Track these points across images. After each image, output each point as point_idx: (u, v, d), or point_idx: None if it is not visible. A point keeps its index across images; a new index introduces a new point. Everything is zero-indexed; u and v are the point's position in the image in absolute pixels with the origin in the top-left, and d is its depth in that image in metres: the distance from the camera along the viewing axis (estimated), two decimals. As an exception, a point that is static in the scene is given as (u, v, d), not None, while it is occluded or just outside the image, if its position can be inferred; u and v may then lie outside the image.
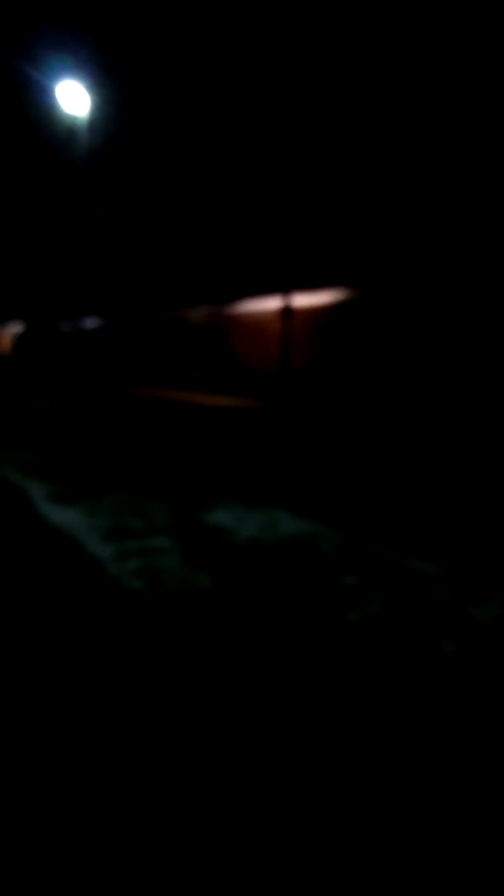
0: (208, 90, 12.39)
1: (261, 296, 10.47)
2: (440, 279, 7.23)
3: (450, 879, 0.74)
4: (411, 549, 2.06)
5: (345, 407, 8.13)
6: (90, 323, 16.31)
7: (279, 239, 10.60)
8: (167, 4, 13.10)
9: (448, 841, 0.79)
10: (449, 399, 7.01)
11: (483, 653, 1.31)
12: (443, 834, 0.81)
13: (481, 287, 6.75)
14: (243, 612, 1.47)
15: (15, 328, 21.15)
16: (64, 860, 0.75)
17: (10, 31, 17.36)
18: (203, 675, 1.17)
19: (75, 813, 0.83)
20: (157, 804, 0.84)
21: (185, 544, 2.00)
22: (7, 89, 18.62)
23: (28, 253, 21.03)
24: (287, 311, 9.43)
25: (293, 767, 0.93)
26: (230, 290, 11.73)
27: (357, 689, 1.15)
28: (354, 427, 6.04)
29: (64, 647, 1.28)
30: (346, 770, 0.93)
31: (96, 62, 15.04)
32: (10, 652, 1.26)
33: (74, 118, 14.76)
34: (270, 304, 10.06)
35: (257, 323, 10.30)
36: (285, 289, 9.60)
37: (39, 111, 18.08)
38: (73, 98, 12.97)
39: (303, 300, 9.30)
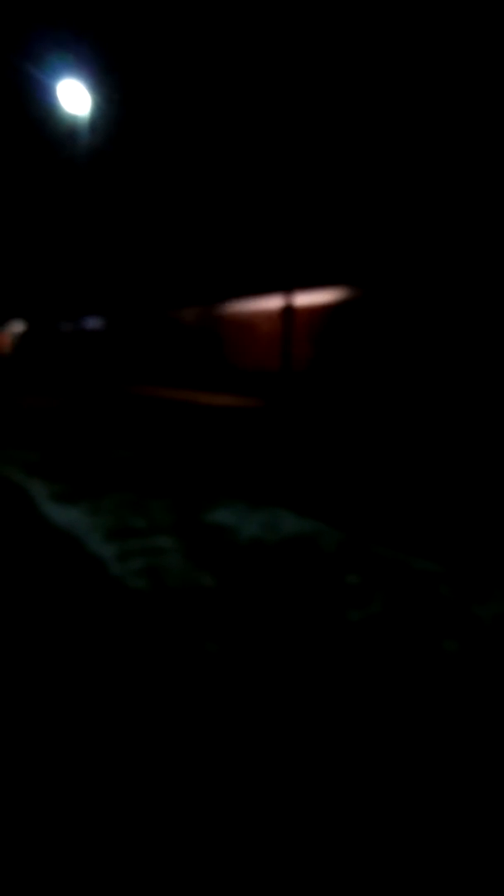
0: (209, 89, 12.38)
1: (262, 295, 10.47)
2: (441, 277, 7.22)
3: (451, 877, 0.74)
4: (413, 548, 2.06)
5: (346, 406, 8.12)
6: (91, 322, 16.32)
7: (280, 238, 10.60)
8: (168, 4, 13.09)
9: (450, 839, 0.80)
10: (451, 398, 7.01)
11: (486, 652, 1.31)
12: (444, 831, 0.81)
13: (483, 286, 6.74)
14: (246, 612, 1.47)
15: (16, 328, 21.16)
16: (65, 859, 0.75)
17: (11, 30, 17.35)
18: (206, 674, 1.18)
19: (78, 811, 0.83)
20: (160, 802, 0.84)
21: (187, 543, 2.00)
22: (8, 88, 18.61)
23: (29, 252, 21.03)
24: (288, 310, 9.43)
25: (296, 766, 0.93)
26: (231, 289, 11.73)
27: (359, 688, 1.15)
28: (356, 426, 6.04)
29: (68, 647, 1.28)
30: (348, 769, 0.93)
31: (97, 61, 15.03)
32: (14, 652, 1.26)
33: (75, 117, 14.76)
34: (272, 302, 10.06)
35: (258, 322, 10.30)
36: (286, 288, 9.60)
37: (40, 110, 18.07)
38: (74, 97, 12.97)
39: (304, 299, 9.29)
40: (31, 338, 19.91)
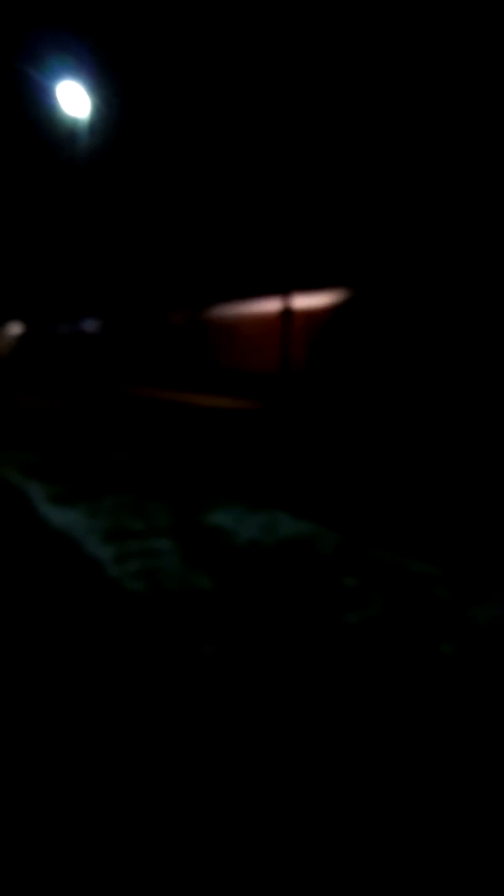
0: (207, 94, 12.40)
1: (260, 297, 10.47)
2: (437, 279, 7.23)
3: (448, 876, 0.74)
4: (411, 551, 2.06)
5: (344, 408, 8.13)
6: (90, 324, 16.31)
7: (277, 241, 10.61)
8: (167, 5, 13.11)
9: (446, 839, 0.80)
10: (449, 401, 7.01)
11: (482, 654, 1.31)
12: (441, 832, 0.81)
13: (478, 288, 6.75)
14: (243, 614, 1.47)
15: (14, 329, 21.15)
16: (65, 859, 0.75)
17: (11, 31, 17.36)
18: (203, 676, 1.18)
19: (77, 813, 0.83)
20: (157, 803, 0.84)
21: (185, 546, 2.00)
22: (7, 90, 18.62)
23: (28, 254, 21.03)
24: (286, 313, 9.44)
25: (293, 768, 0.93)
26: (229, 291, 11.73)
27: (357, 690, 1.15)
28: (353, 429, 6.04)
29: (65, 649, 1.28)
30: (345, 770, 0.93)
31: (97, 63, 15.05)
32: (12, 653, 1.26)
33: (75, 120, 14.78)
34: (270, 305, 10.07)
35: (257, 324, 10.30)
36: (284, 290, 9.61)
37: (39, 112, 18.08)
38: (73, 99, 12.98)
39: (302, 302, 9.30)
40: (29, 339, 19.91)
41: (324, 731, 1.02)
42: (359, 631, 1.40)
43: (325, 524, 2.36)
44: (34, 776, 0.90)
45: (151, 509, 2.49)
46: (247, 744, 0.98)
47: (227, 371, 11.00)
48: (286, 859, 0.76)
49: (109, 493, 2.75)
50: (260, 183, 11.12)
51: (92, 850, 0.77)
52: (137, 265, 15.24)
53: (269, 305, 10.11)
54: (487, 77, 7.27)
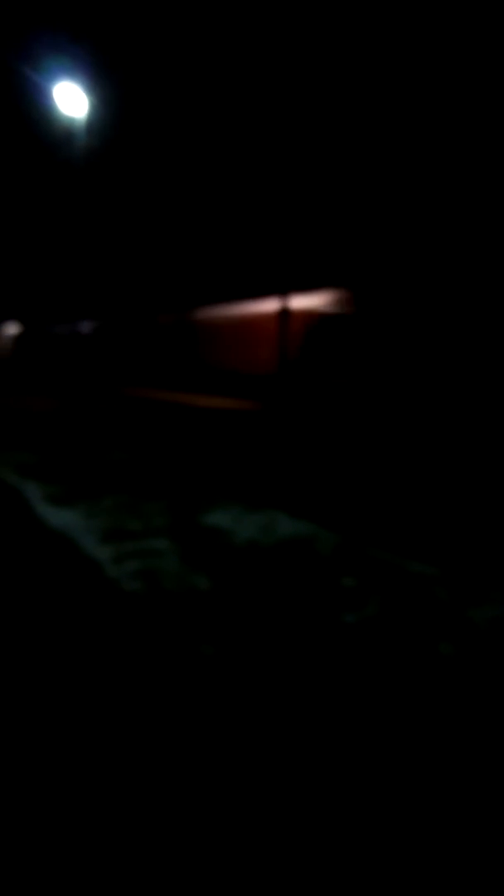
0: (203, 96, 12.41)
1: (258, 298, 10.48)
2: (434, 280, 7.25)
3: (448, 878, 0.74)
4: (409, 551, 2.06)
5: (341, 409, 8.14)
6: (87, 324, 16.30)
7: (273, 241, 10.61)
8: (164, 6, 13.12)
9: (445, 840, 0.80)
10: (447, 401, 7.03)
11: (481, 655, 1.31)
12: (441, 833, 0.81)
13: (474, 289, 6.77)
14: (242, 615, 1.47)
15: (11, 329, 21.12)
16: (64, 861, 0.75)
17: (8, 32, 17.35)
18: (202, 677, 1.17)
19: (75, 815, 0.82)
20: (156, 805, 0.84)
21: (183, 546, 2.00)
22: (4, 91, 18.60)
23: (24, 255, 21.00)
24: (284, 313, 9.44)
25: (292, 769, 0.92)
26: (226, 292, 11.74)
27: (355, 691, 1.15)
28: (351, 429, 6.05)
29: (63, 650, 1.28)
30: (344, 771, 0.93)
31: (94, 64, 15.04)
32: (9, 655, 1.25)
33: (71, 120, 14.77)
34: (267, 305, 10.07)
35: (254, 325, 10.31)
36: (282, 291, 9.61)
37: (36, 112, 18.06)
38: (70, 100, 12.97)
39: (299, 302, 9.31)
40: (26, 340, 19.88)
41: (323, 732, 1.02)
42: (357, 631, 1.40)
43: (324, 524, 2.36)
44: (32, 776, 0.90)
45: (149, 509, 2.49)
46: (246, 744, 0.98)
47: (224, 371, 11.00)
48: (286, 858, 0.76)
49: (107, 494, 2.75)
50: (257, 182, 11.13)
51: (91, 849, 0.76)
52: (134, 266, 15.23)
53: (266, 306, 10.11)
54: (480, 84, 7.29)
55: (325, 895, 0.71)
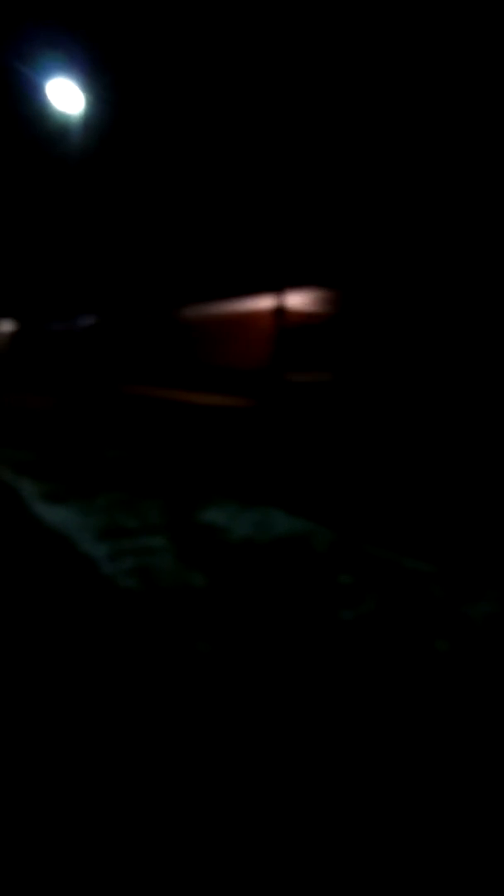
0: (199, 92, 12.36)
1: (252, 295, 10.46)
2: (427, 277, 7.25)
3: (445, 870, 0.74)
4: (406, 549, 2.06)
5: (337, 407, 8.14)
6: (84, 321, 16.25)
7: (268, 239, 10.60)
8: (159, 3, 13.06)
9: (442, 832, 0.80)
10: (442, 400, 7.03)
11: (476, 651, 1.31)
12: (437, 825, 0.81)
13: (465, 287, 6.77)
14: (238, 611, 1.47)
15: (7, 327, 21.04)
16: (62, 857, 0.74)
17: (2, 28, 17.25)
18: (198, 673, 1.17)
19: (71, 809, 0.82)
20: (154, 799, 0.84)
21: (178, 543, 2.00)
22: (-1, 86, 18.49)
23: (20, 252, 20.92)
24: (279, 310, 9.43)
25: (289, 763, 0.92)
26: (221, 288, 11.72)
27: (352, 686, 1.15)
28: (347, 426, 6.05)
29: (59, 647, 1.27)
30: (340, 765, 0.92)
31: (89, 60, 14.97)
32: (6, 651, 1.25)
33: (67, 116, 14.71)
34: (262, 302, 10.06)
35: (249, 321, 10.29)
36: (277, 287, 9.60)
37: (31, 108, 17.98)
38: (65, 96, 12.90)
39: (294, 299, 9.30)
40: (22, 337, 19.81)
41: (320, 727, 1.02)
42: (353, 628, 1.40)
43: (320, 521, 2.36)
44: (28, 771, 0.89)
45: (145, 507, 2.48)
46: (243, 740, 0.98)
47: (219, 368, 10.98)
48: (284, 854, 0.75)
49: (103, 491, 2.74)
50: (253, 178, 11.10)
51: (90, 846, 0.76)
52: (130, 263, 15.19)
53: (261, 302, 10.10)
54: (472, 88, 7.29)
55: (319, 884, 0.71)
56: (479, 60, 7.26)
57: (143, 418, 6.16)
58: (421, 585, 1.70)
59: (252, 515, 2.40)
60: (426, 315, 7.30)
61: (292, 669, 1.20)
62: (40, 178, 18.66)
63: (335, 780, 0.90)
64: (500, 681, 1.19)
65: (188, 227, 12.92)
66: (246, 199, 11.17)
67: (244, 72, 10.97)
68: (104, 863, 0.74)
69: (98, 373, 15.24)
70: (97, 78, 14.25)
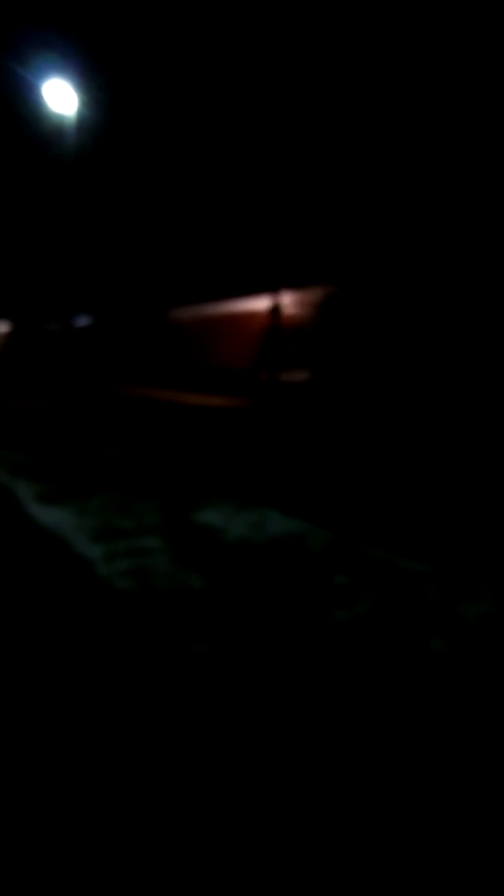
0: (193, 91, 12.37)
1: (247, 295, 10.47)
2: (421, 277, 7.27)
3: (443, 873, 0.74)
4: (401, 548, 2.07)
5: (333, 406, 8.15)
6: (79, 322, 16.23)
7: (263, 239, 10.61)
8: (154, 4, 13.06)
9: (439, 834, 0.80)
10: (437, 400, 7.05)
11: (472, 651, 1.32)
12: (434, 828, 0.81)
13: (463, 286, 6.80)
14: (234, 612, 1.47)
15: (2, 327, 20.99)
16: (61, 857, 0.74)
17: (-3, 28, 17.20)
18: (195, 675, 1.17)
19: (70, 809, 0.82)
20: (153, 801, 0.84)
21: (174, 544, 2.00)
22: (-7, 86, 18.45)
23: (15, 252, 20.88)
24: (274, 310, 9.44)
25: (286, 766, 0.93)
26: (215, 290, 11.72)
27: (348, 687, 1.15)
28: (343, 426, 6.06)
29: (54, 649, 1.27)
30: (337, 768, 0.93)
31: (84, 61, 14.95)
32: (1, 653, 1.25)
33: (62, 116, 14.70)
34: (258, 303, 10.07)
35: (243, 321, 10.30)
36: (272, 287, 9.61)
37: (26, 109, 17.94)
38: (60, 96, 12.88)
39: (289, 299, 9.31)
40: (17, 338, 19.77)
41: (316, 728, 1.02)
42: (349, 628, 1.40)
43: (315, 522, 2.36)
44: (26, 772, 0.89)
45: (140, 508, 2.48)
46: (240, 741, 0.98)
47: (214, 369, 10.98)
48: (283, 855, 0.76)
49: (98, 492, 2.74)
50: (248, 179, 11.12)
51: (88, 846, 0.76)
52: (125, 264, 15.17)
53: (256, 303, 10.11)
54: (466, 89, 7.32)
55: (321, 887, 0.71)
56: (474, 62, 7.29)
57: (138, 419, 6.16)
58: (416, 585, 1.70)
59: (248, 516, 2.41)
60: (420, 314, 7.31)
61: (288, 670, 1.21)
62: (35, 179, 18.63)
63: (332, 779, 0.90)
64: (495, 680, 1.19)
65: (182, 227, 12.92)
66: (239, 199, 11.18)
67: (238, 73, 10.98)
68: (103, 863, 0.74)
69: (93, 373, 15.23)
70: (92, 78, 14.24)
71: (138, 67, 13.83)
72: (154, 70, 13.43)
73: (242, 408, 7.92)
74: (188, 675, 1.17)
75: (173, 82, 12.94)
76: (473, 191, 7.23)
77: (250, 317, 10.21)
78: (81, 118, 14.85)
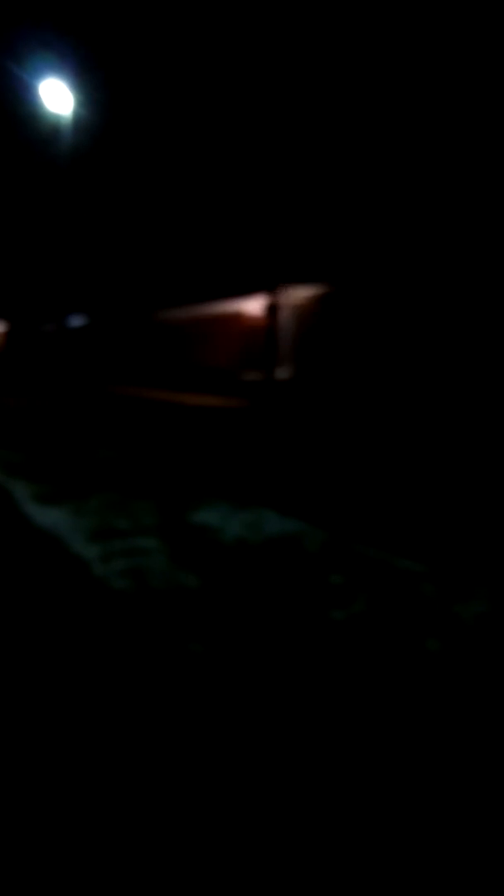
0: (190, 91, 12.37)
1: (244, 295, 10.47)
2: (418, 277, 7.28)
3: (443, 867, 0.74)
4: (397, 548, 2.07)
5: (329, 406, 8.15)
6: (75, 322, 16.21)
7: (260, 241, 10.62)
8: (150, 4, 13.05)
9: (438, 827, 0.80)
10: (434, 403, 7.06)
11: (467, 650, 1.32)
12: (433, 821, 0.81)
13: (456, 292, 6.81)
14: (230, 612, 1.47)
15: None
16: (60, 857, 0.74)
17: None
18: (191, 674, 1.17)
19: (69, 809, 0.82)
20: (151, 797, 0.84)
21: (171, 544, 2.00)
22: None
23: (11, 253, 20.84)
24: (272, 310, 9.44)
25: (283, 761, 0.93)
26: (213, 289, 11.72)
27: (344, 686, 1.15)
28: (339, 427, 6.06)
29: (52, 648, 1.27)
30: (334, 763, 0.93)
31: (80, 61, 14.94)
32: (-5, 653, 1.24)
33: (58, 117, 14.68)
34: (254, 303, 10.07)
35: (239, 321, 10.30)
36: (268, 289, 9.61)
37: (22, 109, 17.91)
38: (56, 97, 12.87)
39: (286, 299, 9.31)
40: (13, 338, 19.73)
41: (312, 726, 1.03)
42: (345, 627, 1.41)
43: (312, 522, 2.36)
44: (23, 771, 0.89)
45: (137, 508, 2.48)
46: (236, 738, 0.98)
47: (211, 369, 10.98)
48: (281, 851, 0.76)
49: (95, 492, 2.73)
50: (242, 183, 11.12)
51: (87, 846, 0.76)
52: (121, 264, 15.16)
53: (253, 304, 10.10)
54: (461, 90, 7.33)
55: (318, 879, 0.71)
56: (466, 71, 7.31)
57: (134, 419, 6.15)
58: (412, 585, 1.71)
59: (244, 516, 2.41)
60: (418, 314, 7.33)
61: (284, 669, 1.21)
62: (31, 180, 18.61)
63: (329, 778, 0.90)
64: (490, 679, 1.20)
65: (178, 227, 12.92)
66: (231, 202, 11.18)
67: (233, 75, 10.98)
68: (102, 862, 0.74)
69: (89, 373, 15.20)
70: (88, 77, 14.23)
71: (135, 67, 13.82)
72: (150, 69, 13.42)
73: (239, 408, 7.92)
74: (184, 675, 1.17)
75: (169, 82, 12.94)
76: (461, 203, 7.25)
77: (248, 316, 10.20)
78: (78, 118, 14.83)
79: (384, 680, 1.18)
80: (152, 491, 2.82)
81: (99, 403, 8.11)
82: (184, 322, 11.96)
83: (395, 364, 7.54)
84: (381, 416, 7.10)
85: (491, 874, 0.74)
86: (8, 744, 0.96)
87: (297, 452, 4.25)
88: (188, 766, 0.92)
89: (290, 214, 10.05)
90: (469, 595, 1.64)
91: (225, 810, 0.83)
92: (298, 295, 9.10)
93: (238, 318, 10.45)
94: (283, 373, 9.19)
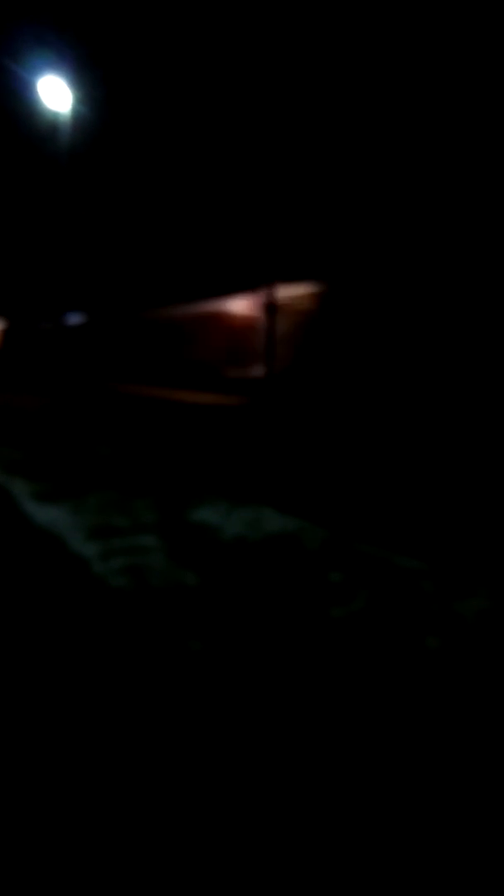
0: (188, 90, 12.34)
1: (242, 293, 10.46)
2: (415, 274, 7.27)
3: (442, 867, 0.74)
4: (397, 546, 2.07)
5: (329, 404, 8.15)
6: (74, 320, 16.20)
7: (257, 239, 10.62)
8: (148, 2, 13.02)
9: (437, 826, 0.80)
10: (434, 399, 7.06)
11: (467, 648, 1.32)
12: (432, 819, 0.81)
13: (456, 290, 6.81)
14: (230, 610, 1.47)
15: None
16: (59, 857, 0.74)
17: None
18: (190, 672, 1.17)
19: (68, 809, 0.82)
20: (149, 797, 0.84)
21: (170, 542, 1.99)
22: (-12, 84, 18.35)
23: (9, 250, 20.81)
24: (271, 308, 9.43)
25: (282, 759, 0.92)
26: (212, 287, 11.70)
27: (343, 684, 1.15)
28: (339, 425, 6.06)
29: (51, 646, 1.27)
30: (334, 761, 0.93)
31: (78, 58, 14.89)
32: (-6, 651, 1.24)
33: (56, 114, 14.65)
34: (252, 301, 10.06)
35: (239, 320, 10.29)
36: (266, 286, 9.60)
37: (20, 106, 17.86)
38: (54, 94, 12.82)
39: (284, 297, 9.30)
40: (11, 335, 19.71)
41: (312, 724, 1.02)
42: (344, 625, 1.40)
43: (311, 519, 2.36)
44: (22, 770, 0.89)
45: (136, 506, 2.47)
46: (236, 736, 0.98)
47: (210, 367, 10.97)
48: (280, 852, 0.76)
49: (94, 490, 2.73)
50: (240, 182, 11.11)
51: (87, 846, 0.76)
52: (120, 262, 15.14)
53: (251, 301, 10.09)
54: (457, 89, 7.32)
55: (317, 878, 0.71)
56: (463, 71, 7.30)
57: (133, 417, 6.15)
58: (412, 582, 1.70)
59: (244, 514, 2.40)
60: (417, 311, 7.32)
61: (283, 667, 1.20)
62: (29, 177, 18.57)
63: (329, 776, 0.90)
64: (490, 677, 1.19)
65: (177, 225, 12.90)
66: (232, 200, 11.17)
67: (231, 74, 10.96)
68: (102, 862, 0.74)
69: (88, 371, 15.19)
70: (86, 74, 14.19)
71: (133, 64, 13.79)
72: (148, 67, 13.39)
73: (238, 405, 7.91)
74: (183, 673, 1.17)
75: (167, 79, 12.91)
76: (460, 200, 7.25)
77: (246, 315, 10.19)
78: (76, 115, 14.80)
79: (384, 677, 1.18)
80: (151, 488, 2.81)
81: (98, 401, 8.10)
82: (182, 319, 11.95)
83: (394, 361, 7.54)
84: (382, 414, 7.10)
85: (491, 872, 0.74)
86: (7, 741, 0.96)
87: (297, 450, 4.25)
88: (187, 763, 0.91)
89: (287, 210, 10.05)
90: (469, 592, 1.64)
91: (224, 807, 0.83)
92: (297, 292, 9.09)
93: (235, 315, 10.44)
94: (282, 370, 9.19)
